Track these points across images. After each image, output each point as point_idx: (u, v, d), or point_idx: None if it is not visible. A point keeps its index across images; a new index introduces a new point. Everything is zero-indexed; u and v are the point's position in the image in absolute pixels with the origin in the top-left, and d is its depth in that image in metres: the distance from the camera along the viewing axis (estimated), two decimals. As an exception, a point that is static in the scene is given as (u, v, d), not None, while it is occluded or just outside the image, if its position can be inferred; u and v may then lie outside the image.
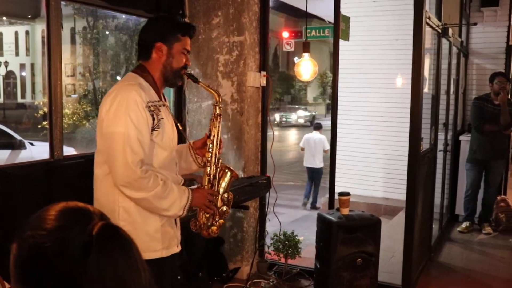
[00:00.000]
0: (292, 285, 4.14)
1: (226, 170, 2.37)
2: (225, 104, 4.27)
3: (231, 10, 4.17)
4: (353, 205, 7.03)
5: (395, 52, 7.04)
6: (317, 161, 9.61)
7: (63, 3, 3.35)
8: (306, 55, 4.03)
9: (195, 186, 2.72)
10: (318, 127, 10.01)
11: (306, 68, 4.02)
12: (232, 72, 4.23)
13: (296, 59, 38.45)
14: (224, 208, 2.37)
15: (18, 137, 9.28)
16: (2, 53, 38.55)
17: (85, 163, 3.34)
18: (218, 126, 2.35)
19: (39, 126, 14.83)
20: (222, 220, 2.38)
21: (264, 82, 4.34)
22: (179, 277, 3.73)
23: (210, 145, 2.33)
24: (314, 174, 9.88)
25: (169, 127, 2.27)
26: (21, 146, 9.01)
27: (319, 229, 3.82)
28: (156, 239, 2.20)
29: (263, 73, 4.33)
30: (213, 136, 2.34)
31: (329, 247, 3.63)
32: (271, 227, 4.68)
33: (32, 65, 36.43)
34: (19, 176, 3.10)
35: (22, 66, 37.79)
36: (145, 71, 2.25)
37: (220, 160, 2.36)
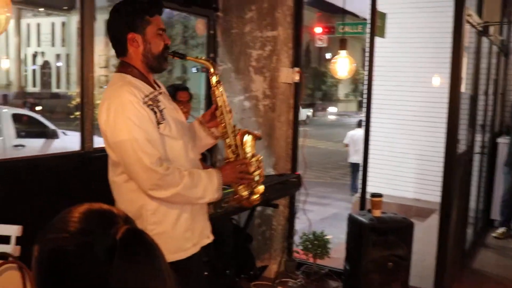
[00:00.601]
0: (320, 285, 4.07)
1: (246, 134, 2.24)
2: (256, 100, 4.22)
3: (265, 4, 4.11)
4: (383, 206, 6.96)
5: (431, 50, 6.85)
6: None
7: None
8: (343, 52, 3.93)
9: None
10: (361, 124, 10.06)
11: (342, 65, 3.93)
12: (264, 68, 4.17)
13: (328, 55, 38.23)
14: (258, 172, 2.24)
15: (52, 127, 9.44)
16: (40, 43, 39.41)
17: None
18: (222, 94, 2.21)
19: (72, 116, 15.06)
20: (261, 187, 2.27)
21: (296, 78, 4.26)
22: (205, 273, 3.72)
23: (221, 116, 2.20)
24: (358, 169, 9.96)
25: (174, 113, 2.16)
26: (54, 135, 9.17)
27: (350, 230, 3.74)
28: (186, 238, 2.14)
29: (296, 69, 4.25)
30: (220, 106, 2.20)
31: (360, 249, 3.55)
32: (301, 224, 4.58)
33: (68, 56, 37.18)
34: (49, 167, 3.12)
35: (58, 57, 38.56)
36: (128, 67, 2.10)
37: (235, 127, 2.24)
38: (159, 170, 1.95)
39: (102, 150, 3.46)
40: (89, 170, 3.27)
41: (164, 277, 0.89)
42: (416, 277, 4.28)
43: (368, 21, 4.03)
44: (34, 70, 39.37)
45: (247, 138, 2.23)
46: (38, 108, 25.36)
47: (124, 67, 2.11)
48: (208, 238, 2.30)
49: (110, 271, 0.83)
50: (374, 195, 3.68)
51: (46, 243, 0.88)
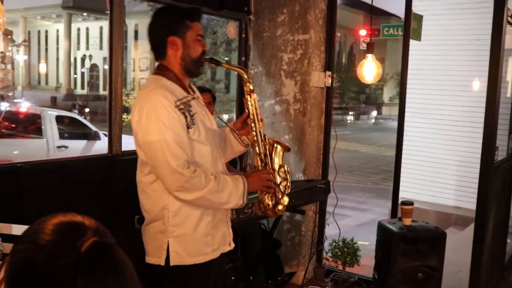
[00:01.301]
0: (348, 294, 3.98)
1: (275, 145, 2.25)
2: (287, 104, 4.17)
3: (297, 7, 4.05)
4: (421, 213, 6.79)
5: (473, 53, 6.63)
6: None
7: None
8: (370, 56, 3.83)
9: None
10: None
11: (369, 69, 3.82)
12: (295, 71, 4.12)
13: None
14: (284, 183, 2.25)
15: (94, 128, 9.63)
16: (88, 46, 40.55)
17: (143, 159, 3.36)
18: (254, 103, 2.23)
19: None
20: (286, 198, 2.27)
21: (328, 82, 4.19)
22: (232, 278, 3.70)
23: (252, 124, 2.21)
24: None
25: (205, 119, 2.18)
26: (96, 137, 9.35)
27: (379, 239, 3.64)
28: (206, 243, 2.14)
29: (328, 73, 4.18)
30: (252, 114, 2.21)
31: (389, 258, 3.44)
32: (336, 230, 4.46)
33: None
34: (78, 170, 3.17)
35: (105, 60, 39.56)
36: (166, 70, 2.15)
37: (266, 137, 2.25)
38: (185, 173, 1.97)
39: (130, 153, 3.52)
40: (116, 172, 3.31)
41: None
42: (450, 289, 4.15)
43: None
44: (82, 73, 40.51)
45: (277, 148, 2.25)
46: (86, 110, 26.09)
47: (161, 70, 2.16)
48: (229, 246, 2.29)
49: (75, 284, 0.80)
50: (404, 203, 3.56)
51: (15, 254, 0.87)
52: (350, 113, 37.24)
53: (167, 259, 2.08)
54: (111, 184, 3.25)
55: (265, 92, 4.26)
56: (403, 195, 7.05)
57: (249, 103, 2.22)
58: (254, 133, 2.22)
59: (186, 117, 2.05)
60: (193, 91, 2.25)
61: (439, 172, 7.13)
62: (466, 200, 6.91)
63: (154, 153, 2.01)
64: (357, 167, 15.75)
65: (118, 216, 3.18)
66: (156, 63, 2.24)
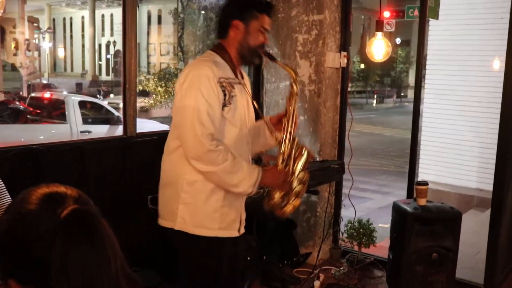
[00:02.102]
0: (363, 274, 3.98)
1: (303, 151, 2.27)
2: (302, 85, 4.15)
3: (311, -13, 4.01)
4: (443, 195, 6.71)
5: (498, 32, 6.43)
6: None
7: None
8: (379, 34, 3.78)
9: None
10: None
11: (378, 48, 3.77)
12: (310, 52, 4.09)
13: (398, 40, 37.10)
14: (299, 187, 2.27)
15: (116, 113, 9.76)
16: (113, 33, 40.88)
17: (157, 140, 3.40)
18: (294, 105, 2.28)
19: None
20: (298, 200, 2.30)
21: (344, 63, 4.16)
22: (248, 258, 3.74)
23: (285, 123, 2.27)
24: None
25: (243, 104, 2.26)
26: (118, 121, 9.46)
27: (394, 219, 3.63)
28: (213, 218, 2.20)
29: (344, 53, 4.14)
30: (289, 115, 2.28)
31: (403, 238, 3.43)
32: (358, 212, 4.44)
33: (139, 45, 38.34)
34: (94, 152, 3.22)
35: (130, 46, 39.85)
36: (222, 49, 2.26)
37: (296, 140, 2.29)
38: (206, 144, 2.06)
39: (144, 135, 3.57)
40: (131, 154, 3.36)
41: (109, 261, 0.88)
42: (468, 270, 4.11)
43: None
44: (107, 59, 40.91)
45: (303, 155, 2.26)
46: (111, 96, 26.40)
47: (218, 48, 2.28)
48: (238, 232, 2.34)
49: (53, 251, 0.84)
50: (419, 183, 3.53)
51: (2, 224, 0.90)
52: (375, 96, 36.82)
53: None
54: (125, 165, 3.31)
55: (280, 74, 4.25)
56: (425, 177, 7.01)
57: (290, 102, 2.28)
58: (284, 132, 2.27)
59: (225, 95, 2.15)
60: (242, 77, 2.34)
61: (461, 154, 7.02)
62: (488, 182, 6.78)
63: (184, 117, 2.10)
64: (380, 150, 15.63)
65: (132, 196, 3.25)
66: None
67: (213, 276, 2.28)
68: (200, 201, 2.17)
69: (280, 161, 2.25)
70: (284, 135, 2.27)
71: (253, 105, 2.37)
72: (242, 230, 2.38)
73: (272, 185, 2.26)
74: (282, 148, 2.26)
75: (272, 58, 2.33)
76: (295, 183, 2.25)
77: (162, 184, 2.30)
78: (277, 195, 2.27)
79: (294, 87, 2.28)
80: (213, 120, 2.09)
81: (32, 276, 0.87)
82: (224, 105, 2.14)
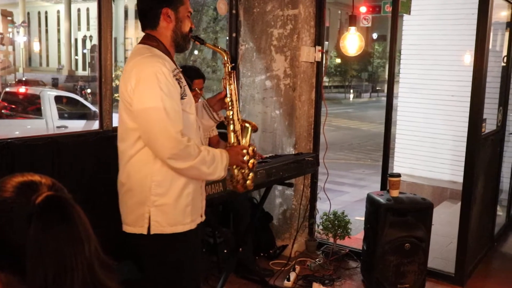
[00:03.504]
0: (339, 265, 4.05)
1: (245, 124, 2.36)
2: (277, 79, 4.20)
3: (286, -18, 4.05)
4: (417, 187, 6.84)
5: (469, 27, 6.56)
6: None
7: (114, -24, 3.38)
8: (352, 28, 3.84)
9: None
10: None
11: (352, 42, 3.83)
12: (285, 47, 4.14)
13: (374, 35, 37.41)
14: (252, 160, 2.34)
15: (93, 108, 9.68)
16: (89, 27, 40.40)
17: (134, 135, 3.41)
18: (233, 82, 2.32)
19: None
20: (252, 174, 2.37)
21: (319, 57, 4.21)
22: (225, 251, 3.78)
23: (230, 103, 2.31)
24: None
25: (190, 92, 2.24)
26: (95, 116, 9.39)
27: (368, 211, 3.71)
28: (186, 213, 2.19)
29: (318, 48, 4.20)
30: (230, 94, 2.31)
31: (376, 229, 3.51)
32: (334, 205, 4.51)
33: (115, 40, 37.92)
34: (69, 145, 3.21)
35: (106, 40, 39.42)
36: (155, 41, 2.16)
37: (240, 115, 2.35)
38: (183, 141, 2.03)
39: (121, 129, 3.57)
40: (107, 148, 3.35)
41: (82, 244, 0.92)
42: (440, 260, 4.22)
43: (392, -3, 3.90)
44: (84, 54, 40.43)
45: (247, 128, 2.35)
46: (88, 91, 26.11)
47: (150, 40, 2.16)
48: (201, 217, 2.35)
49: (27, 236, 0.87)
50: (391, 175, 3.61)
51: None
52: (352, 91, 37.13)
53: (149, 228, 2.13)
54: (101, 160, 3.30)
55: (256, 68, 4.29)
56: (400, 170, 7.12)
57: (228, 82, 2.31)
58: (231, 112, 2.31)
59: (180, 87, 2.10)
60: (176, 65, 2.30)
61: (435, 147, 7.15)
62: (461, 174, 6.93)
63: (150, 120, 2.00)
64: (357, 144, 15.79)
65: (108, 190, 3.25)
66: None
67: (189, 267, 2.29)
68: (172, 199, 2.13)
69: (234, 139, 2.32)
70: (231, 114, 2.31)
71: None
72: (204, 217, 2.38)
73: (236, 163, 2.29)
74: (232, 127, 2.32)
75: (202, 41, 2.30)
76: (247, 157, 2.31)
77: (125, 190, 2.22)
78: (237, 172, 2.32)
79: (226, 67, 2.31)
80: (180, 116, 2.06)
81: (9, 261, 0.90)
82: (182, 98, 2.11)
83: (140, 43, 2.20)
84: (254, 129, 2.39)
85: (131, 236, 2.20)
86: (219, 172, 2.18)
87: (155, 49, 2.14)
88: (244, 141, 2.35)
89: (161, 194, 2.12)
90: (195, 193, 2.23)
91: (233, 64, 2.34)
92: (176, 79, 2.08)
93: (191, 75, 3.33)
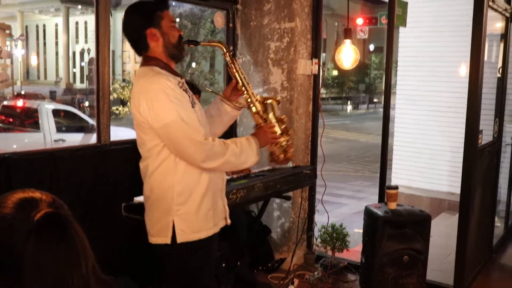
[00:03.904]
0: (337, 278, 4.04)
1: (266, 101, 2.41)
2: (275, 92, 4.21)
3: (282, -5, 4.08)
4: (415, 199, 6.84)
5: (466, 39, 6.59)
6: None
7: (111, -10, 3.40)
8: (347, 41, 3.87)
9: None
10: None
11: (347, 55, 3.86)
12: (282, 60, 4.15)
13: (371, 46, 37.59)
14: (285, 137, 2.41)
15: (91, 121, 9.69)
16: (87, 40, 40.52)
17: (132, 148, 3.40)
18: (239, 68, 2.39)
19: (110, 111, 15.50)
20: (292, 149, 2.46)
21: (315, 70, 4.23)
22: (223, 265, 3.76)
23: (243, 88, 2.38)
24: None
25: (197, 101, 2.33)
26: (92, 130, 9.40)
27: (366, 223, 3.70)
28: (208, 218, 2.27)
29: (315, 60, 4.22)
30: (240, 79, 2.38)
31: (375, 242, 3.50)
32: (333, 218, 4.50)
33: (113, 52, 38.06)
34: (67, 159, 3.22)
35: (104, 53, 39.52)
36: (153, 59, 2.25)
37: (257, 95, 2.42)
38: (208, 143, 2.14)
39: (118, 143, 3.57)
40: (105, 162, 3.36)
41: (79, 261, 0.92)
42: (439, 272, 4.20)
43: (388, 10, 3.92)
44: (82, 67, 40.51)
45: (269, 104, 2.41)
46: (86, 104, 26.15)
47: (149, 61, 2.25)
48: (225, 220, 2.44)
49: (26, 253, 0.87)
50: (389, 187, 3.61)
51: None
52: (349, 102, 37.24)
53: (173, 237, 2.20)
54: (100, 173, 3.30)
55: (253, 81, 4.30)
56: (398, 182, 7.13)
57: (234, 70, 2.38)
58: (247, 95, 2.38)
59: (189, 96, 2.21)
60: (180, 76, 2.36)
61: (433, 158, 7.16)
62: (459, 186, 6.93)
63: (173, 133, 2.12)
64: (355, 156, 15.80)
65: (106, 204, 3.25)
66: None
67: (208, 273, 2.37)
68: (193, 207, 2.22)
69: (259, 119, 2.39)
70: (249, 98, 2.38)
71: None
72: (229, 221, 2.47)
73: (268, 142, 2.36)
74: (254, 109, 2.39)
75: (196, 43, 2.40)
76: (278, 130, 2.38)
77: (150, 203, 2.31)
78: (276, 149, 2.40)
79: (227, 57, 2.38)
80: (197, 121, 2.16)
81: (6, 276, 0.90)
82: (192, 106, 2.20)
83: (141, 66, 2.29)
84: (277, 102, 2.45)
85: (156, 247, 2.28)
86: (253, 158, 2.29)
87: (156, 67, 2.23)
88: (272, 116, 2.39)
89: (182, 203, 2.21)
90: (215, 198, 2.32)
91: (232, 51, 2.39)
92: (184, 89, 2.20)
93: None
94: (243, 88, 2.38)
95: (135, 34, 2.26)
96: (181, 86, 2.19)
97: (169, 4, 2.33)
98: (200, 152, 2.12)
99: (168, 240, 2.21)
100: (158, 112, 2.10)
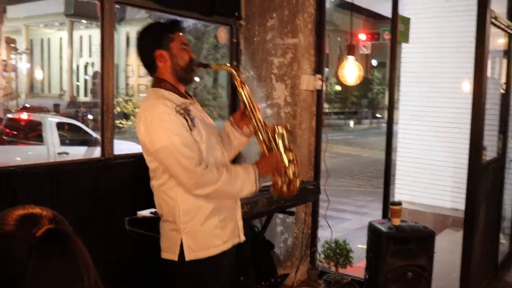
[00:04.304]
0: (340, 295, 4.01)
1: (276, 128, 2.35)
2: (278, 107, 4.22)
3: (286, 12, 4.11)
4: (419, 215, 6.81)
5: (468, 55, 6.62)
6: None
7: (117, 6, 3.43)
8: (350, 58, 3.88)
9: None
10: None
11: (351, 71, 3.88)
12: (285, 75, 4.17)
13: (374, 62, 37.70)
14: (292, 166, 2.35)
15: (94, 135, 9.72)
16: (91, 54, 40.76)
17: (135, 162, 3.42)
18: (247, 93, 2.36)
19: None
20: (299, 179, 2.38)
21: (319, 85, 4.24)
22: (241, 278, 3.74)
23: (250, 114, 2.35)
24: None
25: (203, 121, 2.31)
26: (96, 143, 9.42)
27: (369, 239, 3.68)
28: (216, 235, 2.27)
29: (318, 76, 4.23)
30: (249, 105, 2.35)
31: (378, 258, 3.48)
32: (336, 233, 4.49)
33: (117, 66, 38.25)
34: (71, 173, 3.22)
35: (108, 67, 39.72)
36: (161, 81, 2.29)
37: (266, 123, 2.38)
38: (197, 170, 2.12)
39: (122, 157, 3.58)
40: (109, 176, 3.36)
41: (82, 277, 0.92)
42: (442, 289, 4.17)
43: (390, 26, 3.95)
44: (85, 80, 40.70)
45: (278, 131, 2.35)
46: (90, 117, 26.22)
47: (157, 83, 2.31)
48: (239, 238, 2.43)
49: (27, 269, 0.87)
50: (393, 203, 3.61)
51: None
52: (352, 117, 37.25)
53: (181, 254, 2.22)
54: (103, 187, 3.30)
55: (256, 96, 4.31)
56: (401, 197, 7.11)
57: (243, 95, 2.35)
58: (254, 122, 2.35)
59: (187, 120, 2.19)
60: (190, 97, 2.39)
61: (436, 174, 7.15)
62: (462, 202, 6.89)
63: (166, 157, 2.14)
64: (358, 171, 15.76)
65: (109, 218, 3.24)
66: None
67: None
68: (199, 224, 2.23)
69: (265, 148, 2.34)
70: (255, 124, 2.34)
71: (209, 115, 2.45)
72: (243, 237, 2.46)
73: (270, 172, 2.33)
74: (260, 136, 2.35)
75: (205, 65, 2.42)
76: (286, 161, 2.32)
77: (162, 220, 2.35)
78: (278, 180, 2.35)
79: (237, 80, 2.35)
80: (191, 147, 2.14)
81: None
82: (190, 130, 2.19)
83: (151, 86, 2.35)
84: (286, 129, 2.38)
85: (165, 262, 2.29)
86: (249, 187, 2.24)
87: (162, 89, 2.27)
88: (281, 144, 2.34)
89: (188, 221, 2.22)
90: (223, 215, 2.30)
91: (242, 75, 2.37)
92: (181, 113, 2.18)
93: None
94: (251, 114, 2.36)
95: (146, 55, 2.32)
96: (179, 110, 2.18)
97: (181, 26, 2.37)
98: (189, 179, 2.13)
99: (175, 257, 2.24)
100: (152, 137, 2.15)
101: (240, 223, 2.45)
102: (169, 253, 2.27)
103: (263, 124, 2.36)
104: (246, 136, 2.50)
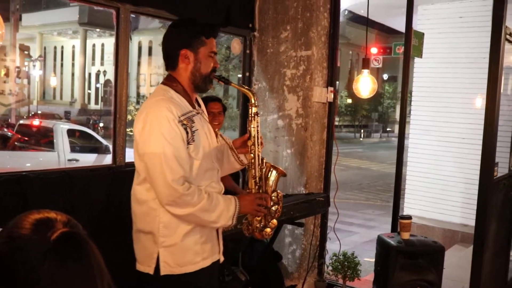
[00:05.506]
0: (348, 308, 3.99)
1: (271, 169, 2.27)
2: (289, 119, 4.24)
3: (300, 24, 4.14)
4: (428, 230, 6.76)
5: (481, 71, 6.62)
6: None
7: (132, 15, 3.48)
8: (365, 71, 3.90)
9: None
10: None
11: (365, 84, 3.89)
12: (298, 87, 4.19)
13: (385, 75, 37.72)
14: (275, 207, 2.28)
15: (104, 142, 9.78)
16: (103, 62, 41.13)
17: (146, 171, 3.44)
18: (257, 126, 2.24)
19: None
20: (275, 221, 2.29)
21: (331, 98, 4.25)
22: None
23: (252, 147, 2.24)
24: None
25: (204, 133, 2.20)
26: (106, 151, 9.48)
27: (378, 253, 3.67)
28: (195, 252, 2.16)
29: (330, 88, 4.24)
30: (253, 137, 2.24)
31: (387, 272, 3.47)
32: (343, 246, 4.47)
33: (129, 75, 38.49)
34: (83, 180, 3.25)
35: (120, 76, 40.03)
36: (175, 81, 2.18)
37: (264, 161, 2.27)
38: (179, 189, 2.00)
39: (133, 164, 3.60)
40: (120, 183, 3.37)
41: (95, 280, 0.93)
42: (452, 305, 4.14)
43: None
44: (97, 88, 41.01)
45: (272, 173, 2.28)
46: (101, 125, 26.39)
47: (170, 81, 2.19)
48: (218, 255, 2.31)
49: (42, 272, 0.89)
50: (402, 217, 3.59)
51: None
52: (362, 130, 37.21)
53: (157, 268, 2.11)
54: (114, 194, 3.32)
55: (268, 107, 4.34)
56: (410, 212, 7.07)
57: (252, 126, 2.24)
58: (252, 155, 2.24)
59: (187, 132, 2.08)
60: (199, 105, 2.29)
61: (446, 189, 7.11)
62: (472, 218, 6.85)
63: (152, 164, 2.03)
64: (367, 184, 15.71)
65: (119, 225, 3.25)
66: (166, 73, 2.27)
67: None
68: (179, 239, 2.12)
69: (253, 185, 2.24)
70: (252, 158, 2.24)
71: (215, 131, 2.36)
72: (221, 256, 2.35)
73: (250, 212, 2.23)
74: (253, 172, 2.24)
75: (226, 81, 2.29)
76: (270, 203, 2.24)
77: (136, 229, 2.23)
78: (255, 220, 2.26)
79: (253, 108, 2.24)
80: (181, 163, 2.03)
81: None
82: (188, 143, 2.08)
83: (161, 83, 2.23)
84: (282, 175, 2.31)
85: (140, 274, 2.18)
86: (225, 220, 2.13)
87: (172, 90, 2.16)
88: (269, 186, 2.26)
89: (168, 235, 2.11)
90: (205, 232, 2.19)
91: (258, 107, 2.29)
92: (183, 124, 2.06)
93: (203, 100, 3.37)
94: (252, 147, 2.24)
95: (171, 48, 2.18)
96: (182, 120, 2.06)
97: (217, 32, 2.25)
98: (166, 195, 2.01)
99: (151, 271, 2.12)
100: (146, 139, 2.05)
101: (221, 243, 2.34)
102: (144, 266, 2.16)
103: (259, 162, 2.25)
104: (240, 164, 2.40)
